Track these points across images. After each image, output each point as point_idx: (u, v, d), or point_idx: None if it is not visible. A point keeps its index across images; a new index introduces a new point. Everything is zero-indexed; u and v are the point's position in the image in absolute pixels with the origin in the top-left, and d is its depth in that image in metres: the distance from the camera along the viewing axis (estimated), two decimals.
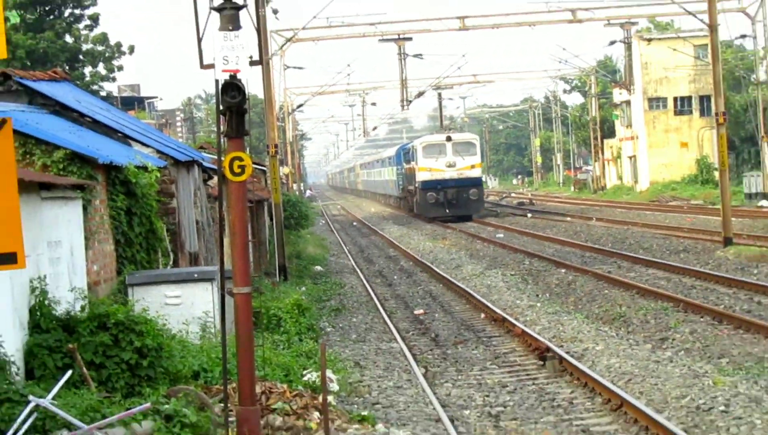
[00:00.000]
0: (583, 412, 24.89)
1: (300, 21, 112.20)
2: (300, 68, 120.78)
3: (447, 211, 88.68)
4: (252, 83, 20.77)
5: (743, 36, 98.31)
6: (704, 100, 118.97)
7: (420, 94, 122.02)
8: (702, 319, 35.36)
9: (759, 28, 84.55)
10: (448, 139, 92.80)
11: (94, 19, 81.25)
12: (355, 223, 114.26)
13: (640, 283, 44.80)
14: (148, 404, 20.94)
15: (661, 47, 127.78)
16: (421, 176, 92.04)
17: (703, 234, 66.25)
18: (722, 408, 23.73)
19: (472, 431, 23.94)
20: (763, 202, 79.89)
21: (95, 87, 73.02)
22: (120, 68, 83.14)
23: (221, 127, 20.49)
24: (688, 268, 49.38)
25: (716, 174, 73.70)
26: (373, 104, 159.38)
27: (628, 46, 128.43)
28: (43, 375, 21.99)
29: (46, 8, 77.06)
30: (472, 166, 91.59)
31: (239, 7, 19.71)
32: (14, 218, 9.84)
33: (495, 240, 72.62)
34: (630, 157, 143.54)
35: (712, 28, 63.68)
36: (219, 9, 19.58)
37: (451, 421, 24.61)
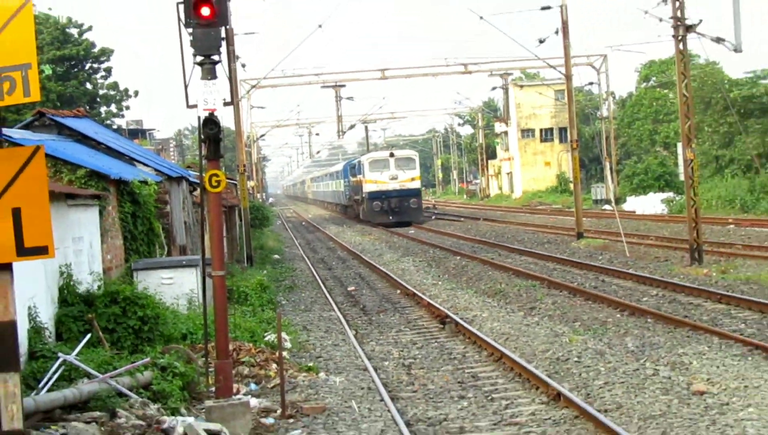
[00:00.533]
0: (473, 363, 25.03)
1: (262, 71, 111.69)
2: (262, 107, 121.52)
3: (390, 217, 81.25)
4: (225, 119, 20.95)
5: (591, 83, 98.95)
6: (562, 130, 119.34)
7: (351, 127, 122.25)
8: (561, 293, 35.61)
9: (602, 78, 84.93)
10: (391, 155, 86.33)
11: (108, 71, 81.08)
12: (303, 223, 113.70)
13: (515, 267, 44.97)
14: (148, 359, 21.10)
15: (530, 92, 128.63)
16: (367, 187, 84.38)
17: (561, 230, 66.44)
18: (575, 359, 23.96)
19: (390, 377, 24.04)
20: (606, 206, 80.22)
21: (108, 122, 72.61)
22: (127, 107, 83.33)
23: (203, 152, 20.57)
24: (550, 255, 49.56)
25: (571, 185, 73.89)
26: (317, 134, 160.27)
27: (506, 91, 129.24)
28: (68, 337, 22.15)
29: (72, 63, 76.67)
30: (412, 179, 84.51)
31: (215, 62, 19.82)
32: (46, 220, 9.89)
33: (408, 235, 72.58)
34: (507, 173, 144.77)
35: (568, 77, 63.94)
36: (201, 64, 19.69)
37: (375, 370, 24.74)
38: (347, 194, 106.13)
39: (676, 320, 27.77)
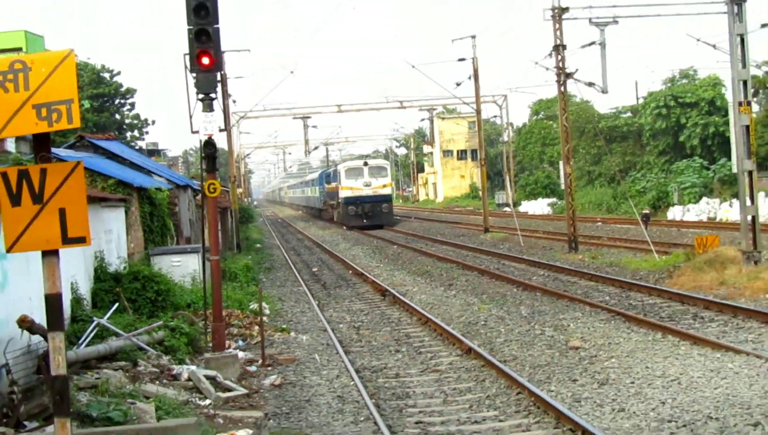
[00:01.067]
0: (406, 325, 25.09)
1: (249, 105, 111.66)
2: (248, 133, 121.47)
3: (365, 221, 71.66)
4: (220, 142, 20.88)
5: (495, 116, 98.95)
6: (474, 151, 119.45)
7: (315, 148, 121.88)
8: (472, 273, 35.72)
9: (503, 112, 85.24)
10: (365, 164, 75.79)
11: (132, 105, 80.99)
12: (280, 220, 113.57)
13: (438, 253, 45.01)
14: (161, 322, 21.12)
15: (449, 122, 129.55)
16: (343, 193, 73.97)
17: (473, 226, 66.52)
18: (483, 322, 24.05)
19: (344, 336, 24.06)
20: (506, 208, 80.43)
21: (132, 143, 72.15)
22: (146, 132, 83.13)
23: (203, 166, 20.62)
24: (464, 245, 49.67)
25: (480, 193, 74.08)
26: (289, 153, 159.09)
27: (431, 122, 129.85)
28: (101, 306, 22.13)
29: (105, 99, 76.48)
30: (384, 186, 74.28)
31: (213, 99, 19.80)
32: (84, 217, 9.85)
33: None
34: (433, 183, 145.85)
35: (478, 112, 64.14)
36: (202, 100, 19.66)
37: (332, 330, 24.76)
38: (322, 199, 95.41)
39: (558, 293, 27.94)
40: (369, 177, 73.25)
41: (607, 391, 15.84)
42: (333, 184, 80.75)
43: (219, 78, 20.67)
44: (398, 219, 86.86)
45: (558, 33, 42.47)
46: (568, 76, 43.53)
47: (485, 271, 35.60)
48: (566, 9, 41.80)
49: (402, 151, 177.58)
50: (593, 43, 42.06)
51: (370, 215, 72.16)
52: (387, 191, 74.55)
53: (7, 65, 9.94)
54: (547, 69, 45.23)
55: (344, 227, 75.47)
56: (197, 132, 19.99)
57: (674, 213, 64.08)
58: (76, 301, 20.89)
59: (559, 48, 42.75)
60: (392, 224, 74.85)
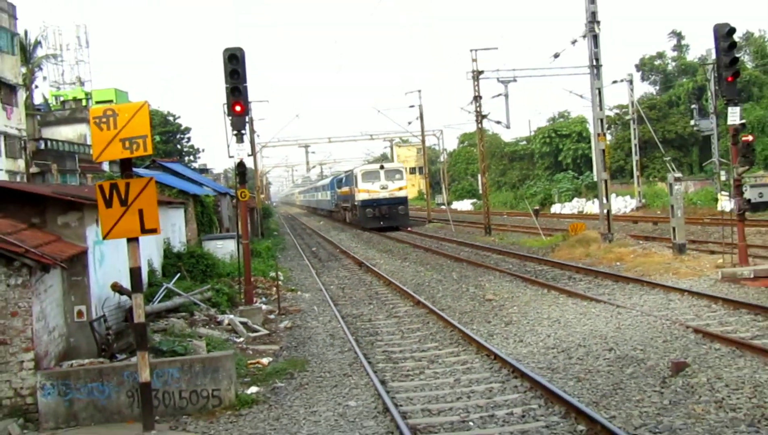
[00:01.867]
0: (376, 287, 25.04)
1: (268, 138, 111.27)
2: (268, 157, 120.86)
3: (381, 223, 54.84)
4: (249, 163, 20.83)
5: (435, 144, 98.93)
6: (420, 168, 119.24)
7: (314, 167, 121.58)
8: (419, 250, 35.62)
9: (440, 141, 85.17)
10: (381, 167, 57.95)
11: (189, 138, 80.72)
12: (290, 216, 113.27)
13: (396, 237, 44.89)
14: (209, 286, 20.92)
15: (404, 148, 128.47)
16: (360, 196, 56.33)
17: (420, 219, 65.91)
18: (427, 283, 24.07)
19: (334, 294, 24.00)
20: (443, 206, 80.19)
21: (189, 165, 71.64)
22: (199, 157, 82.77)
23: (237, 180, 20.54)
24: (414, 231, 49.51)
25: (425, 196, 74.04)
26: (296, 170, 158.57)
27: (392, 148, 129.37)
28: (168, 275, 21.87)
29: (170, 134, 76.20)
30: (400, 188, 56.76)
31: (243, 134, 19.75)
32: (155, 216, 9.81)
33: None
34: None
35: (423, 141, 64.21)
36: (236, 135, 19.60)
37: (326, 290, 24.69)
38: (333, 202, 75.62)
39: (477, 263, 27.99)
40: (385, 180, 55.20)
41: (510, 329, 15.93)
42: (346, 188, 63.27)
43: (247, 120, 20.63)
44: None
45: (476, 88, 42.62)
46: (484, 117, 43.73)
47: (428, 249, 35.55)
48: (482, 72, 41.96)
49: None
50: (500, 94, 42.24)
51: (386, 217, 54.04)
52: (403, 194, 55.71)
53: (101, 112, 9.93)
54: (470, 112, 45.41)
55: (359, 228, 56.00)
56: (233, 157, 20.00)
57: (555, 208, 64.58)
58: (151, 272, 20.77)
59: (477, 98, 42.89)
60: (407, 226, 54.57)
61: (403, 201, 53.74)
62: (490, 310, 18.36)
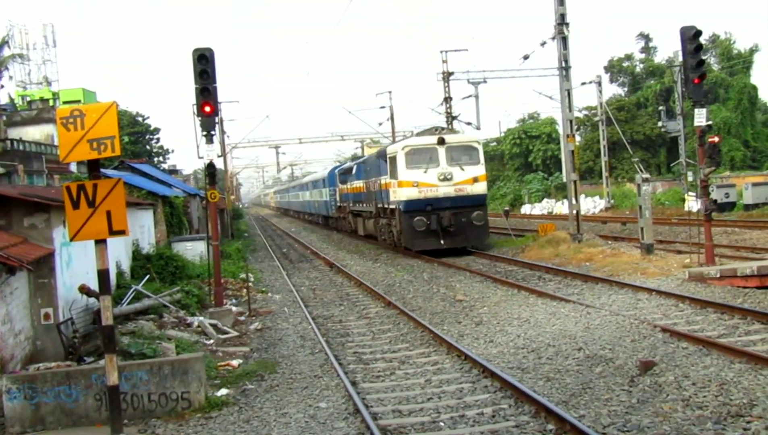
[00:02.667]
0: (347, 287, 25.01)
1: (238, 138, 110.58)
2: (237, 158, 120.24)
3: (442, 242, 29.64)
4: (218, 164, 20.75)
5: None
6: None
7: (285, 168, 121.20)
8: (390, 252, 35.58)
9: None
10: (441, 142, 29.43)
11: (158, 139, 79.80)
12: (260, 217, 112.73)
13: (363, 241, 45.07)
14: (179, 287, 20.80)
15: (374, 149, 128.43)
16: (402, 194, 29.89)
17: None
18: (398, 284, 24.05)
19: (304, 295, 23.96)
20: None
21: (158, 166, 71.04)
22: (168, 158, 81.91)
23: (207, 181, 20.43)
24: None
25: None
26: (266, 171, 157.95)
27: (362, 149, 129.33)
28: (137, 277, 21.69)
29: (138, 135, 75.42)
30: (475, 180, 29.51)
31: (213, 135, 19.64)
32: (124, 217, 9.74)
33: (315, 222, 71.95)
34: None
35: (394, 142, 64.19)
36: (205, 135, 19.49)
37: (296, 291, 24.63)
38: (332, 205, 53.06)
39: (448, 264, 28.04)
40: (448, 164, 29.70)
41: (481, 329, 15.99)
42: (359, 183, 41.24)
43: (217, 120, 20.52)
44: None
45: (446, 89, 42.76)
46: (454, 118, 43.88)
47: (399, 250, 35.57)
48: (452, 73, 42.13)
49: None
50: (471, 95, 42.45)
51: (450, 231, 29.96)
52: (480, 189, 30.30)
53: (69, 112, 9.83)
54: (440, 113, 45.55)
55: (393, 249, 34.83)
56: (203, 157, 19.88)
57: (525, 209, 64.89)
58: (120, 274, 20.62)
59: (447, 99, 43.04)
60: (483, 243, 31.99)
61: (481, 201, 30.65)
62: (460, 310, 18.41)
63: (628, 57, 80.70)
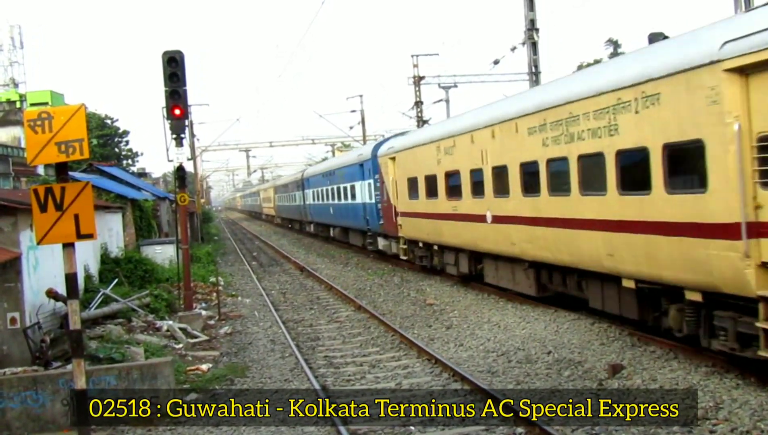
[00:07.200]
0: (318, 292, 25.02)
1: (208, 141, 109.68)
2: (208, 161, 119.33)
3: None
4: (188, 167, 20.63)
5: None
6: None
7: (255, 171, 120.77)
8: (360, 256, 35.69)
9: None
10: None
11: (127, 141, 79.02)
12: (230, 220, 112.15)
13: (334, 245, 45.07)
14: (148, 291, 20.66)
15: (343, 153, 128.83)
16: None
17: None
18: (369, 288, 24.10)
19: (275, 299, 23.91)
20: None
21: (127, 169, 70.46)
22: (137, 161, 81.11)
23: (177, 184, 20.33)
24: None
25: None
26: (237, 175, 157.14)
27: (333, 153, 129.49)
28: (105, 281, 21.50)
29: (107, 137, 74.65)
30: None
31: (183, 138, 19.56)
32: (92, 220, 9.65)
33: (285, 226, 71.73)
34: None
35: (365, 141, 64.21)
36: (175, 138, 19.38)
37: (267, 295, 24.59)
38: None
39: (419, 267, 28.11)
40: None
41: (451, 333, 16.04)
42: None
43: (187, 123, 20.43)
44: None
45: (417, 93, 42.89)
46: (425, 122, 44.00)
47: (370, 254, 35.63)
48: (423, 77, 42.27)
49: None
50: (441, 99, 42.64)
51: None
52: None
53: (36, 115, 9.72)
54: (411, 117, 45.68)
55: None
56: (172, 160, 19.79)
57: None
58: (88, 277, 20.41)
59: (418, 103, 43.17)
60: None
61: None
62: (431, 314, 18.45)
63: (597, 62, 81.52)
